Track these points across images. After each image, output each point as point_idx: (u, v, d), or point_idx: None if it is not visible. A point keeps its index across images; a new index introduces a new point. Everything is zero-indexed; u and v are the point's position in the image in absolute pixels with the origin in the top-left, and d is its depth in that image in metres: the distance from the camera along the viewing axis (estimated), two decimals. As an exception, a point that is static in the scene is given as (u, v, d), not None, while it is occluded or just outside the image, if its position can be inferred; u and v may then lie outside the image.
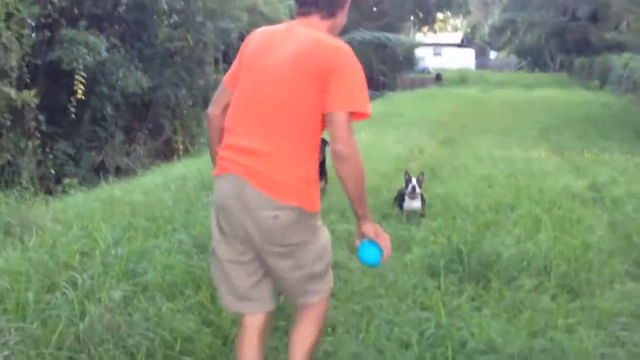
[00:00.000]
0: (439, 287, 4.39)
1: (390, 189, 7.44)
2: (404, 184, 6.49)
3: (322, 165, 5.97)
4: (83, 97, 12.02)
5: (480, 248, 4.96)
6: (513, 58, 62.84)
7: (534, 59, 55.84)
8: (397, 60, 41.22)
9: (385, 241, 2.74)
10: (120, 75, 13.19)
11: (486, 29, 65.63)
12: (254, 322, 2.88)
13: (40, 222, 5.36)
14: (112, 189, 7.42)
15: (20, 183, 10.83)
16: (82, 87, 11.80)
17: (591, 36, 37.36)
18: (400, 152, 10.12)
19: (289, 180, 2.60)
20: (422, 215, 6.42)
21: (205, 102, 16.61)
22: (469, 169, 8.80)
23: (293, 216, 2.61)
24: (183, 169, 9.28)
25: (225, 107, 2.82)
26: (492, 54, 69.31)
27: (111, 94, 13.21)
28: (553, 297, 4.29)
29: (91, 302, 3.63)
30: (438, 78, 43.14)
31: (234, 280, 2.80)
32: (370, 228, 2.74)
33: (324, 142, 3.85)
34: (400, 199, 6.61)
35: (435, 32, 60.85)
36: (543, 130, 14.86)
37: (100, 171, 13.54)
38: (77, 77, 11.74)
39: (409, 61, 44.42)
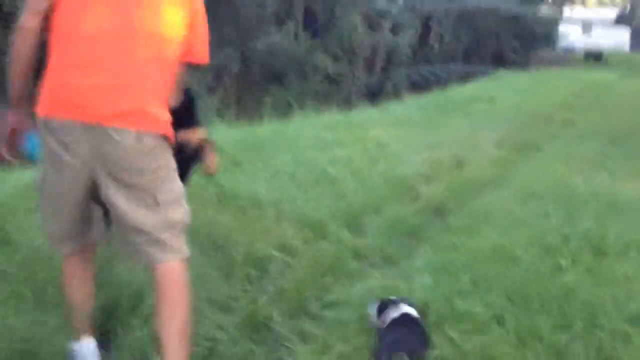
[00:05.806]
0: None
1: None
2: None
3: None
4: None
5: None
6: (674, 42, 55.33)
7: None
8: (533, 36, 35.68)
9: None
10: None
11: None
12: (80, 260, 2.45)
13: None
14: None
15: None
16: None
17: None
18: (411, 170, 5.85)
19: (154, 110, 2.22)
20: None
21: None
22: (488, 222, 4.53)
23: (159, 140, 2.25)
24: None
25: (46, 18, 2.18)
26: (652, 36, 61.68)
27: None
28: None
29: None
30: (595, 58, 36.19)
31: (66, 215, 2.31)
32: None
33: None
34: None
35: (585, 6, 54.16)
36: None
37: None
38: None
39: (549, 38, 38.35)
